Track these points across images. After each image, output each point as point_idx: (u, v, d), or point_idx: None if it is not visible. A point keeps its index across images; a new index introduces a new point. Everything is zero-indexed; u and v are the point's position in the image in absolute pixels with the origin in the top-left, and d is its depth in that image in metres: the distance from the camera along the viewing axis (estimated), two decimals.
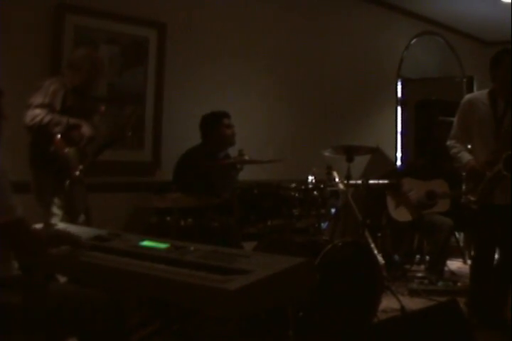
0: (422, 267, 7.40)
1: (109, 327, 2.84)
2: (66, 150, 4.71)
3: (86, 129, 4.85)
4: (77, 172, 4.81)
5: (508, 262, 5.04)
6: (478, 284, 5.26)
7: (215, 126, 5.82)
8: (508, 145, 4.91)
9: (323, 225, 5.79)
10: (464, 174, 5.57)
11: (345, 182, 5.68)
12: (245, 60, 7.09)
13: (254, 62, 7.20)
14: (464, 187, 5.52)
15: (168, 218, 5.17)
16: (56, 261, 2.91)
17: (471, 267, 5.68)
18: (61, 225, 3.55)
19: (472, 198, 5.10)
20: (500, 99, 5.09)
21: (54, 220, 4.62)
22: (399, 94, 9.63)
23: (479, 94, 5.35)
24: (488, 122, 5.08)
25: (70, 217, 4.84)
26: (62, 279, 4.07)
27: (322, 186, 5.45)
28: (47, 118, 4.61)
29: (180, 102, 6.42)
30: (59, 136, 4.67)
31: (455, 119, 5.41)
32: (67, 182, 4.83)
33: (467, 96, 5.40)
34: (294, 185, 5.32)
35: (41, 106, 4.64)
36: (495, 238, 5.14)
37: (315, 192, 5.31)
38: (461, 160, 5.24)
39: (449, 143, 5.39)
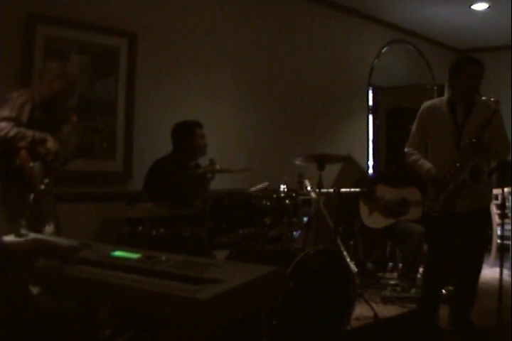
0: (395, 274, 7.43)
1: (81, 337, 2.82)
2: (31, 164, 4.67)
3: (51, 144, 4.80)
4: (42, 186, 4.77)
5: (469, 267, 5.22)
6: (431, 292, 5.35)
7: (187, 135, 5.82)
8: (471, 156, 4.96)
9: (296, 234, 5.80)
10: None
11: (317, 190, 5.70)
12: (215, 69, 7.09)
13: (224, 71, 7.21)
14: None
15: (140, 228, 5.15)
16: (40, 274, 2.85)
17: (424, 274, 5.75)
18: (32, 235, 3.52)
19: (433, 206, 5.11)
20: (459, 107, 5.13)
21: (22, 231, 4.57)
22: (370, 102, 9.71)
23: (438, 101, 5.35)
24: (447, 130, 5.12)
25: (34, 231, 4.79)
26: (35, 290, 4.04)
27: (294, 195, 5.46)
28: (12, 132, 4.55)
29: (151, 112, 6.40)
30: (23, 150, 4.63)
31: (413, 126, 5.43)
32: (32, 196, 4.79)
33: (426, 104, 5.38)
34: (264, 186, 5.33)
35: (7, 119, 4.57)
36: (452, 245, 5.22)
37: (287, 201, 5.32)
38: (421, 167, 5.22)
39: (407, 150, 5.40)
